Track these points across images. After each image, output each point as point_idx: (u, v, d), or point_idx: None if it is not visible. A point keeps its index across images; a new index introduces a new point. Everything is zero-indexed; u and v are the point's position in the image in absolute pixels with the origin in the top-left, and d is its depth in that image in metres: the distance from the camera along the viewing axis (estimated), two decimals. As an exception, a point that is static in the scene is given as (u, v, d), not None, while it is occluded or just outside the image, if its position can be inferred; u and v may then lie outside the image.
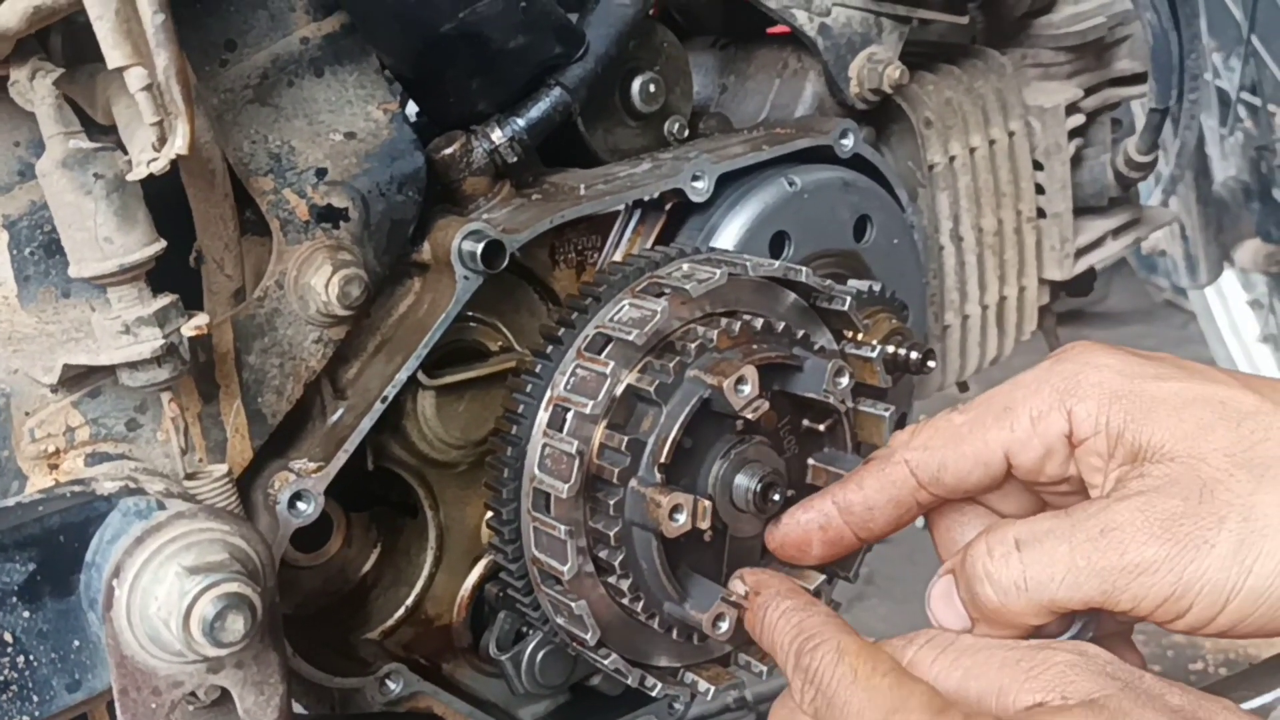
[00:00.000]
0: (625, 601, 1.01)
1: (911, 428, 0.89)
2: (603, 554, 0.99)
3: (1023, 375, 0.86)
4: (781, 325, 1.04)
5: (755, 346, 1.02)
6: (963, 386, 1.60)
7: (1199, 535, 0.74)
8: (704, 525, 0.97)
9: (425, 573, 1.18)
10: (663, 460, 0.97)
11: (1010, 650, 0.77)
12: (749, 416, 0.98)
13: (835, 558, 0.97)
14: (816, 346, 1.07)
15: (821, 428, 1.07)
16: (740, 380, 0.96)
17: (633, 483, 0.98)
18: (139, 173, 0.83)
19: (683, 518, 0.96)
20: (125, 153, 0.88)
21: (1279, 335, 3.46)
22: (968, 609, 0.83)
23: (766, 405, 0.98)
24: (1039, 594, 0.78)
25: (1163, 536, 0.75)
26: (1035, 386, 0.84)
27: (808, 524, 0.93)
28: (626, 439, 0.97)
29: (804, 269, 1.07)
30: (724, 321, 1.02)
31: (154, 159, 0.81)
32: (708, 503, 0.97)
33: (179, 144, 0.81)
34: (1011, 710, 0.74)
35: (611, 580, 1.00)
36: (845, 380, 1.02)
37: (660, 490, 0.96)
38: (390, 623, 1.18)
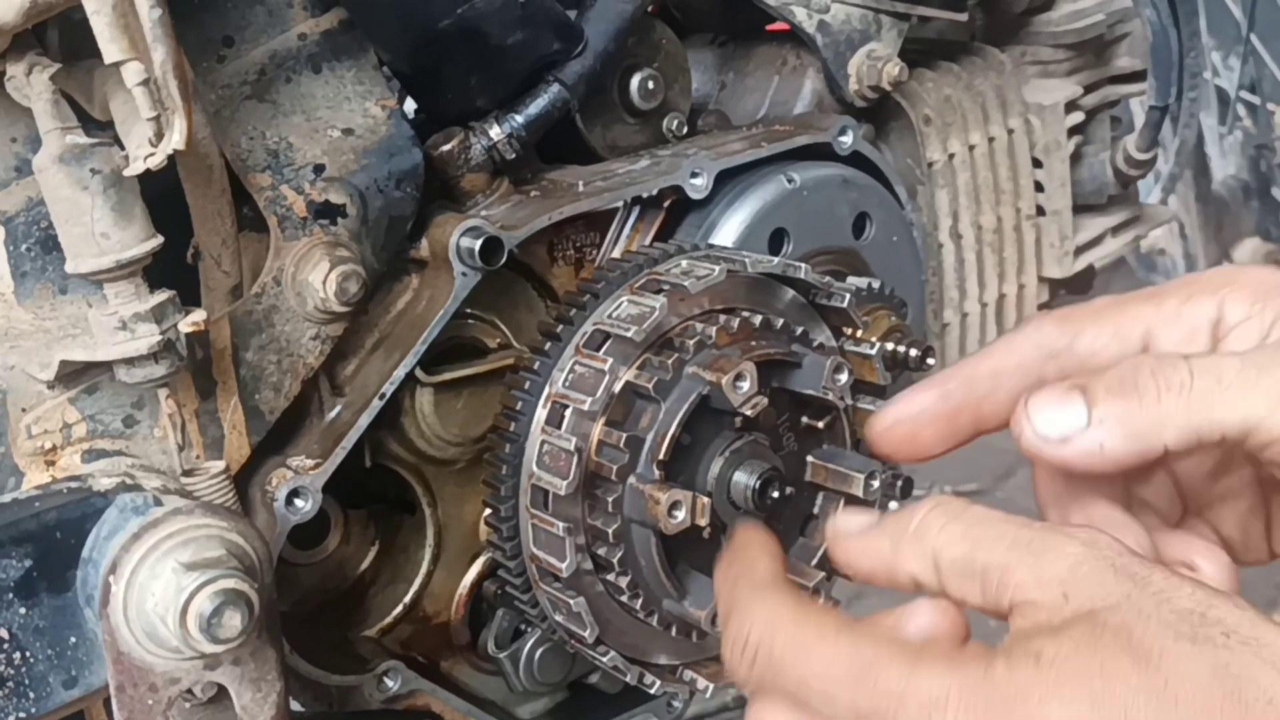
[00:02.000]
0: (624, 599, 1.01)
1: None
2: (601, 551, 0.99)
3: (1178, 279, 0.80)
4: (780, 322, 1.04)
5: (754, 343, 1.02)
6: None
7: None
8: (702, 522, 0.97)
9: (423, 570, 1.18)
10: (661, 457, 0.97)
11: (1023, 529, 0.69)
12: (747, 413, 0.97)
13: (949, 444, 0.83)
14: (815, 343, 1.07)
15: (820, 425, 1.06)
16: (739, 377, 0.96)
17: (631, 479, 0.97)
18: (136, 168, 0.83)
19: (681, 514, 0.95)
20: (122, 148, 0.87)
21: (1278, 334, 3.46)
22: (1098, 402, 0.72)
23: (765, 402, 0.98)
24: (1200, 404, 0.69)
25: None
26: (1190, 277, 0.78)
27: (928, 396, 0.81)
28: (625, 436, 0.97)
29: (803, 265, 1.07)
30: (723, 318, 1.02)
31: (151, 154, 0.81)
32: (706, 499, 0.97)
33: (176, 139, 0.81)
34: (1009, 597, 0.67)
35: (610, 577, 1.00)
36: (844, 377, 1.02)
37: (659, 487, 0.96)
38: (388, 620, 1.18)
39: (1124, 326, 0.77)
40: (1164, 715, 0.60)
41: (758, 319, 1.03)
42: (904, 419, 0.81)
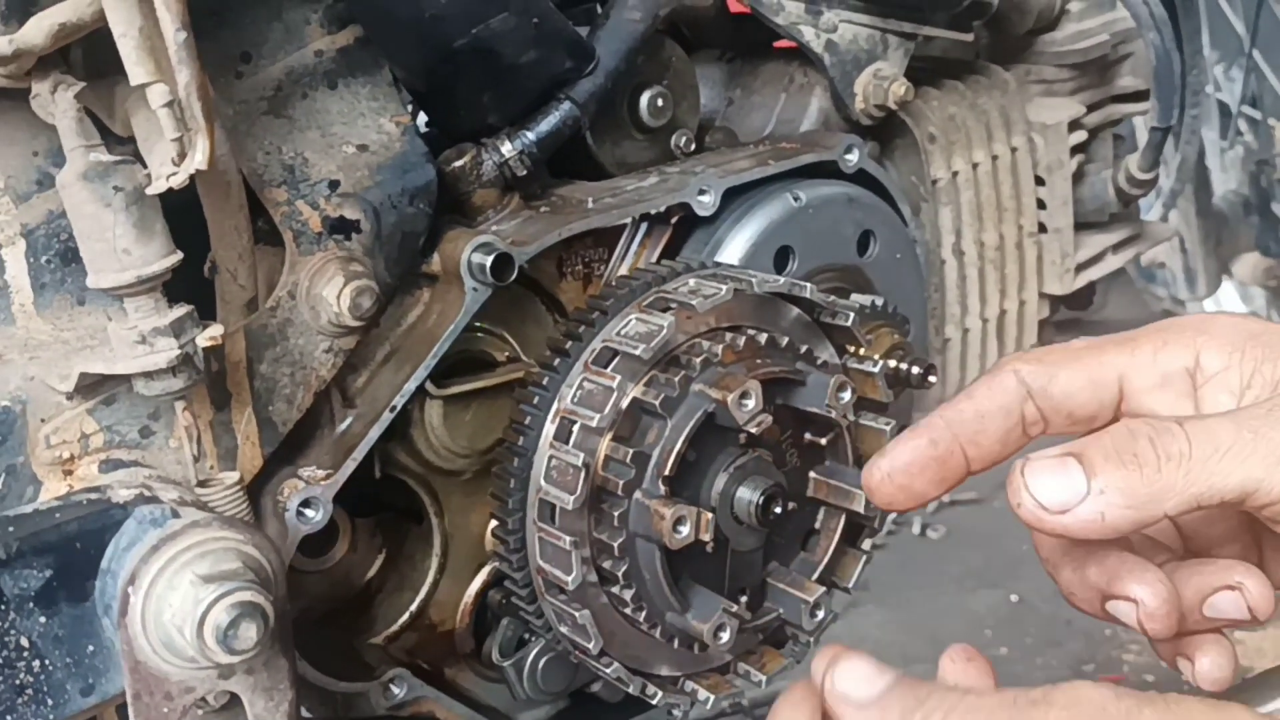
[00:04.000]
0: (628, 611, 1.03)
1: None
2: (606, 564, 1.01)
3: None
4: (785, 340, 1.06)
5: (759, 361, 1.04)
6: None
7: None
8: (706, 537, 0.98)
9: (430, 579, 1.19)
10: (667, 473, 0.99)
11: (1008, 710, 0.68)
12: (752, 430, 0.99)
13: (943, 487, 0.84)
14: (819, 361, 1.09)
15: (823, 442, 1.08)
16: (744, 395, 0.98)
17: (637, 494, 0.99)
18: (158, 186, 0.84)
19: (686, 529, 0.97)
20: (143, 164, 0.89)
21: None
22: (1097, 471, 0.72)
23: (769, 420, 1.00)
24: (1200, 473, 0.69)
25: None
26: (1163, 324, 0.79)
27: (917, 445, 0.81)
28: (632, 451, 0.98)
29: (808, 285, 1.08)
30: (729, 336, 1.04)
31: (173, 173, 0.83)
32: (710, 515, 0.99)
33: (199, 159, 0.82)
34: None
35: (615, 590, 1.02)
36: (847, 395, 1.04)
37: (664, 502, 0.97)
38: (394, 628, 1.19)
39: (1099, 372, 0.78)
40: None
41: (763, 337, 1.05)
42: (896, 470, 0.82)
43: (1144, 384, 0.78)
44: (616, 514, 0.99)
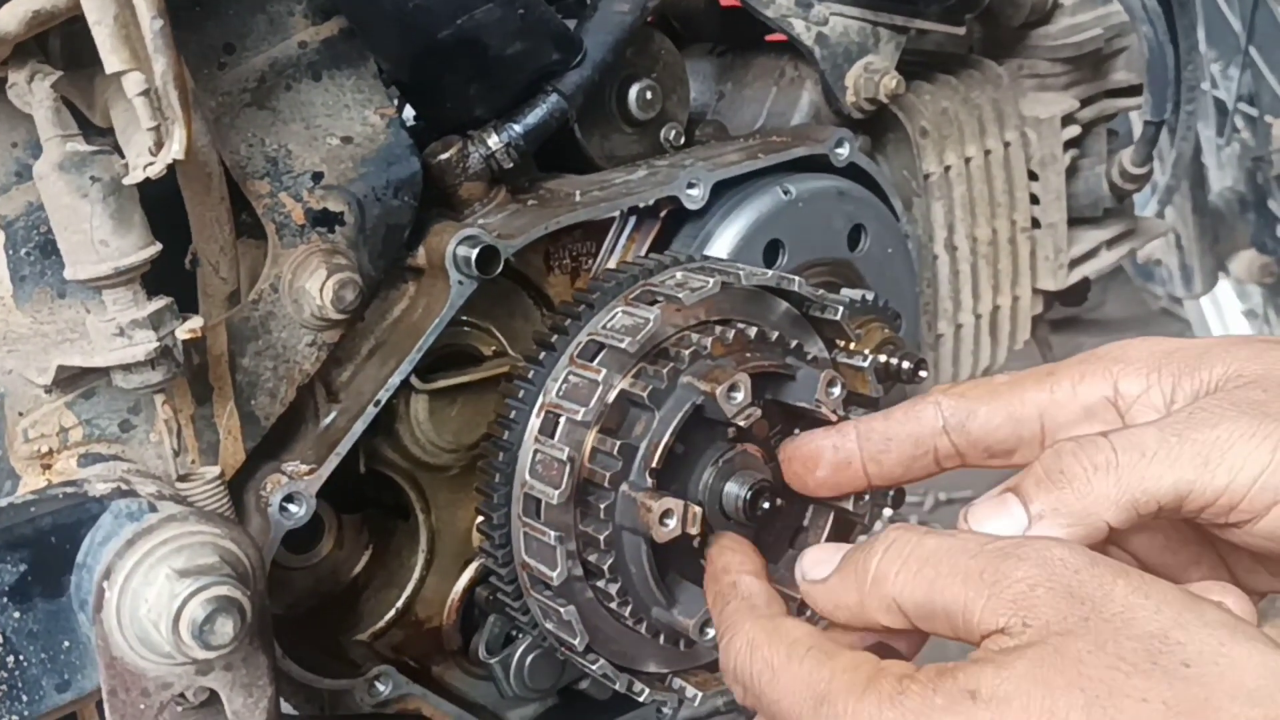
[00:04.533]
0: (613, 606, 1.02)
1: (951, 383, 0.86)
2: (592, 558, 1.00)
3: (1069, 358, 0.82)
4: (775, 335, 1.05)
5: (749, 355, 1.03)
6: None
7: None
8: (694, 531, 0.97)
9: (416, 575, 1.18)
10: (654, 465, 0.98)
11: (974, 558, 0.69)
12: (741, 424, 0.98)
13: (837, 489, 0.91)
14: (809, 356, 1.08)
15: (812, 438, 1.07)
16: (733, 388, 0.97)
17: (624, 487, 0.98)
18: (135, 177, 0.83)
19: (673, 523, 0.96)
20: (122, 155, 0.88)
21: (1274, 345, 3.46)
22: (1032, 499, 0.74)
23: (758, 413, 0.99)
24: (1130, 478, 0.70)
25: (1253, 414, 0.69)
26: (1080, 359, 0.80)
27: (821, 442, 0.87)
28: (619, 444, 0.97)
29: (797, 278, 1.07)
30: (718, 329, 1.03)
31: (150, 163, 0.82)
32: (698, 509, 0.98)
33: (175, 149, 0.81)
34: (976, 632, 0.68)
35: (600, 584, 1.01)
36: (837, 390, 1.03)
37: (651, 495, 0.96)
38: (380, 625, 1.18)
39: (1019, 409, 0.79)
40: None
41: (753, 331, 1.04)
42: (797, 457, 0.86)
43: (1067, 419, 0.79)
44: (603, 506, 0.98)
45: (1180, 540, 0.81)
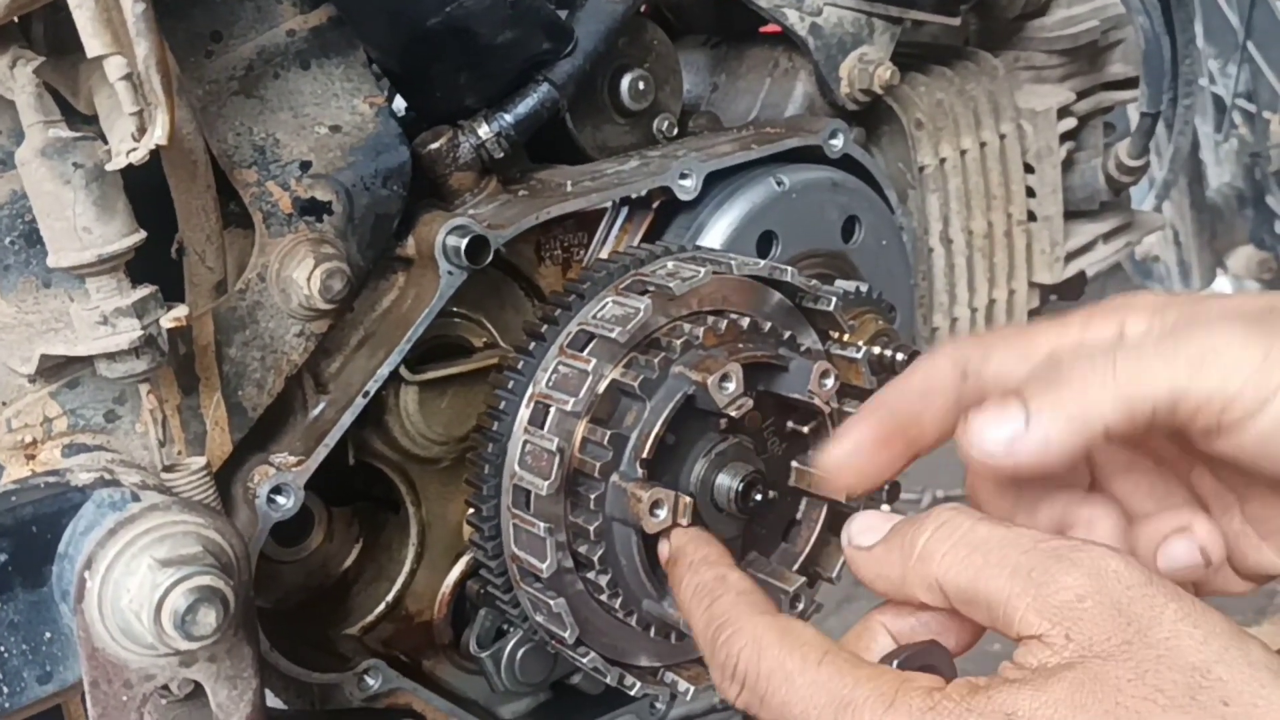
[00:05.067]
0: (603, 598, 1.01)
1: None
2: (582, 549, 0.99)
3: None
4: (768, 325, 1.04)
5: (741, 345, 1.02)
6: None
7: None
8: (684, 522, 0.96)
9: (406, 569, 1.18)
10: (645, 455, 0.97)
11: (1026, 554, 0.67)
12: (732, 414, 0.97)
13: (887, 475, 0.85)
14: (803, 347, 1.07)
15: (805, 430, 1.06)
16: (724, 378, 0.96)
17: (614, 477, 0.97)
18: (118, 163, 0.82)
19: (663, 513, 0.95)
20: (106, 142, 0.87)
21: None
22: (1031, 397, 0.73)
23: (750, 404, 0.98)
24: (1127, 380, 0.70)
25: (1246, 323, 0.70)
26: (1088, 309, 0.80)
27: (857, 435, 0.82)
28: (610, 433, 0.97)
29: (789, 269, 1.06)
30: (710, 319, 1.02)
31: (133, 149, 0.81)
32: (689, 499, 0.97)
33: (158, 134, 0.80)
34: (1015, 629, 0.66)
35: (590, 576, 1.00)
36: (830, 382, 1.02)
37: (641, 485, 0.96)
38: (371, 618, 1.18)
39: (1030, 349, 0.78)
40: None
41: (746, 321, 1.03)
42: (843, 459, 0.83)
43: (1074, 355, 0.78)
44: (593, 497, 0.97)
45: (1164, 488, 0.81)
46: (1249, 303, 0.73)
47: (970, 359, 0.80)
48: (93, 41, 0.77)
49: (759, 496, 1.01)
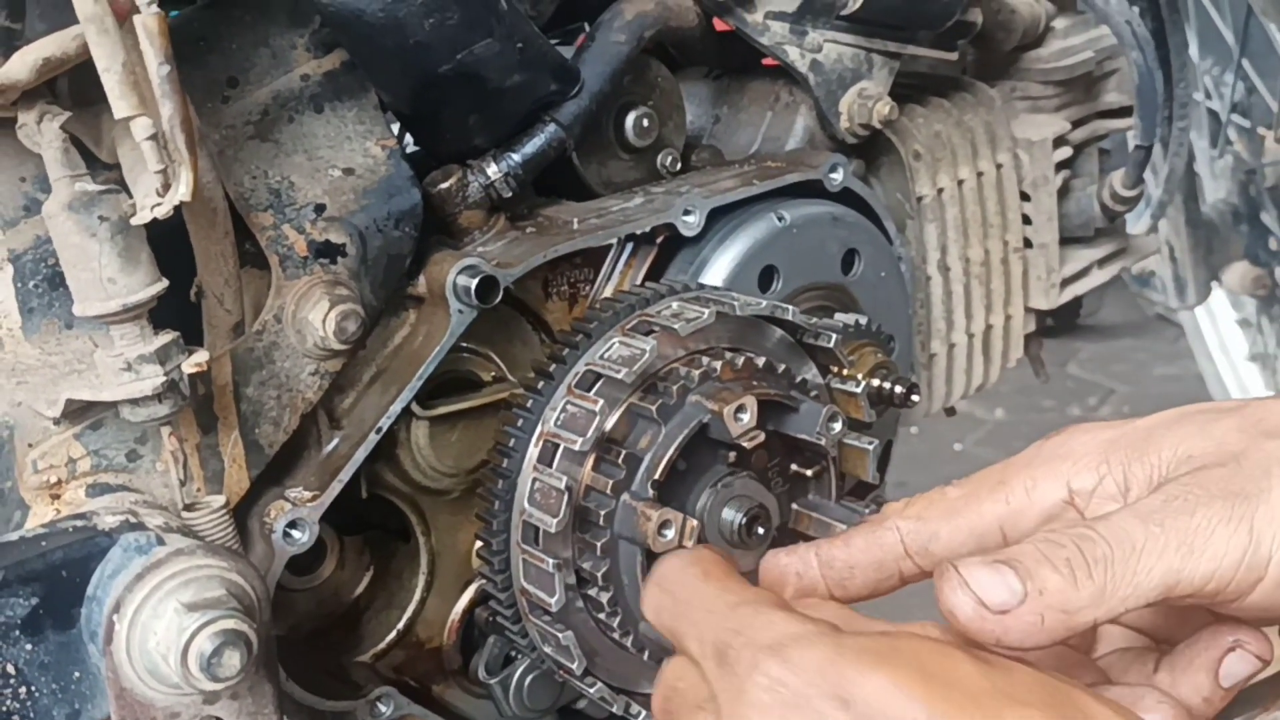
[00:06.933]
0: (603, 616, 1.03)
1: (905, 500, 0.85)
2: (587, 565, 1.01)
3: (1016, 456, 0.83)
4: (782, 367, 1.07)
5: (755, 383, 1.05)
6: (949, 411, 1.63)
7: (1253, 486, 0.71)
8: (689, 544, 0.99)
9: (417, 596, 1.20)
10: (657, 477, 1.00)
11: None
12: (745, 445, 1.00)
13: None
14: (812, 391, 1.10)
15: (809, 473, 1.09)
16: (740, 409, 0.99)
17: (625, 496, 1.00)
18: (143, 217, 0.85)
19: (671, 534, 0.98)
20: (128, 192, 0.90)
21: (1267, 354, 3.49)
22: (1034, 576, 0.72)
23: (762, 436, 1.01)
24: (1124, 573, 0.70)
25: (1224, 496, 0.71)
26: (1027, 460, 0.82)
27: (785, 567, 0.87)
28: (625, 452, 0.99)
29: (790, 308, 1.09)
30: (728, 354, 1.05)
31: (158, 204, 0.84)
32: (695, 523, 1.00)
33: (183, 191, 0.83)
34: None
35: (592, 593, 1.02)
36: (838, 426, 1.05)
37: (652, 505, 0.98)
38: (382, 645, 1.20)
39: (979, 524, 0.80)
40: None
41: (761, 360, 1.06)
42: (765, 578, 0.87)
43: (1028, 525, 0.80)
44: (603, 514, 1.00)
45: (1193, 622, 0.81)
46: (1204, 453, 0.74)
47: (914, 539, 0.81)
48: (120, 103, 0.80)
49: (761, 530, 1.04)
